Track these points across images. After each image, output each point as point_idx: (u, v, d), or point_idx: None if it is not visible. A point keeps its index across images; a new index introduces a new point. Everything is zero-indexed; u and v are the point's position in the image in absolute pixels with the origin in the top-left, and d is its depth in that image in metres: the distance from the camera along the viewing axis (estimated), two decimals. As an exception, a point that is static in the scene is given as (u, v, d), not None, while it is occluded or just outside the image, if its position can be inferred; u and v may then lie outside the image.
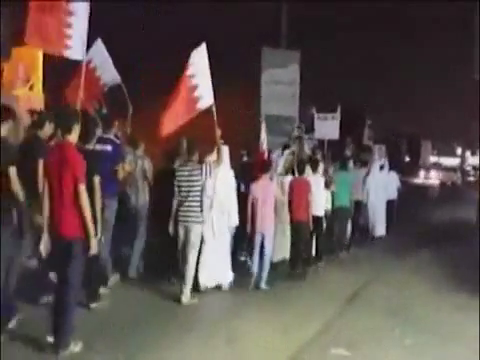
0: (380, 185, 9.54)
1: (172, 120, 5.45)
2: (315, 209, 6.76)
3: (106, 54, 6.26)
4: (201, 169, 5.39)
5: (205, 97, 5.56)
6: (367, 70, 23.04)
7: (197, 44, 5.66)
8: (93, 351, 3.85)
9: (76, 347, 3.79)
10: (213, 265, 5.58)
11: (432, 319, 5.23)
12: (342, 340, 4.55)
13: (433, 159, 46.75)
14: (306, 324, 4.93)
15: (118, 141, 5.53)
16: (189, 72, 5.53)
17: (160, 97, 6.05)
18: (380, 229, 9.63)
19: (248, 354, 4.26)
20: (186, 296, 5.23)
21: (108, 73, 6.26)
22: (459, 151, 50.66)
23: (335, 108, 9.89)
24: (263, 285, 6.01)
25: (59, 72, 5.78)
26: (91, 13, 5.40)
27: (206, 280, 5.59)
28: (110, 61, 6.29)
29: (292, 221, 6.59)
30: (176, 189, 5.32)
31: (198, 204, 5.32)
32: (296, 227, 6.58)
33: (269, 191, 6.09)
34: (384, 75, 24.84)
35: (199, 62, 5.57)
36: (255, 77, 11.48)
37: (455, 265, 7.63)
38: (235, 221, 5.75)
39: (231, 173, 5.79)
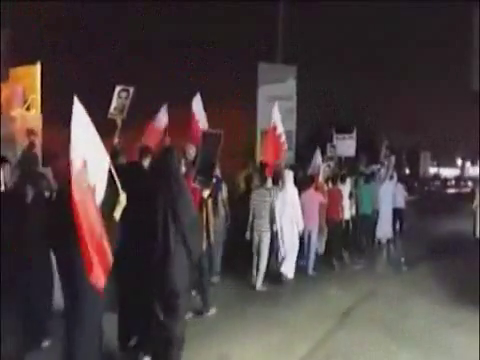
0: (388, 194, 10.53)
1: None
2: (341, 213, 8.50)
3: (201, 106, 7.37)
4: (270, 193, 6.87)
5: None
6: (363, 81, 23.19)
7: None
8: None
9: (213, 310, 5.52)
10: (286, 261, 7.05)
11: (428, 334, 5.18)
12: (338, 355, 4.54)
13: (433, 170, 46.81)
14: (302, 339, 4.93)
15: (219, 175, 6.84)
16: (276, 125, 7.83)
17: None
18: (387, 233, 10.63)
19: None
20: (259, 283, 6.73)
21: (203, 120, 7.40)
22: (459, 162, 50.81)
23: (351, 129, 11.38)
24: (310, 271, 7.65)
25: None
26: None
27: (284, 272, 7.08)
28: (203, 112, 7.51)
29: (328, 222, 8.24)
30: (251, 207, 6.84)
31: (267, 218, 6.81)
32: (331, 227, 8.29)
33: (314, 199, 7.74)
34: (381, 86, 24.98)
35: (277, 115, 7.95)
36: (252, 92, 11.57)
37: (454, 278, 7.61)
38: (301, 226, 7.19)
39: (295, 190, 7.20)
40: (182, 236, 3.69)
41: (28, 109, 8.24)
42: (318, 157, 8.91)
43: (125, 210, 3.53)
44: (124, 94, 6.55)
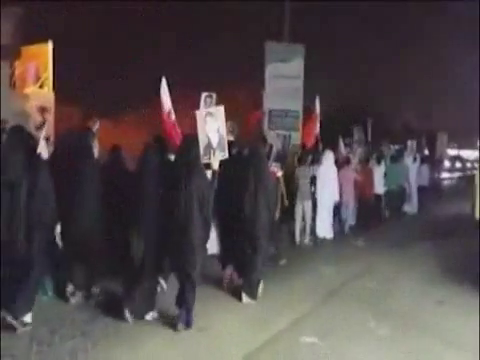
0: (413, 174, 12.31)
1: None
2: (376, 189, 10.42)
3: None
4: (309, 169, 8.54)
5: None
6: (377, 68, 22.82)
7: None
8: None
9: (284, 261, 7.10)
10: (322, 225, 8.83)
11: (411, 313, 5.24)
12: (316, 330, 4.63)
13: (452, 152, 45.87)
14: (284, 314, 5.05)
15: None
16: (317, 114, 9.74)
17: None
18: (412, 208, 12.46)
19: (221, 340, 4.43)
20: (307, 239, 8.61)
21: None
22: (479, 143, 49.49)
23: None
24: (346, 230, 9.53)
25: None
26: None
27: (321, 233, 8.85)
28: None
29: (361, 196, 9.89)
30: (296, 180, 8.36)
31: (308, 189, 8.47)
32: (363, 201, 9.93)
33: (349, 177, 9.40)
34: (394, 71, 24.53)
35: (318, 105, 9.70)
36: (259, 71, 11.59)
37: (448, 259, 7.72)
38: (337, 196, 8.97)
39: (334, 168, 8.94)
40: (266, 196, 5.46)
41: (41, 87, 8.51)
42: (341, 144, 10.32)
43: (231, 177, 5.44)
44: (209, 100, 7.40)
